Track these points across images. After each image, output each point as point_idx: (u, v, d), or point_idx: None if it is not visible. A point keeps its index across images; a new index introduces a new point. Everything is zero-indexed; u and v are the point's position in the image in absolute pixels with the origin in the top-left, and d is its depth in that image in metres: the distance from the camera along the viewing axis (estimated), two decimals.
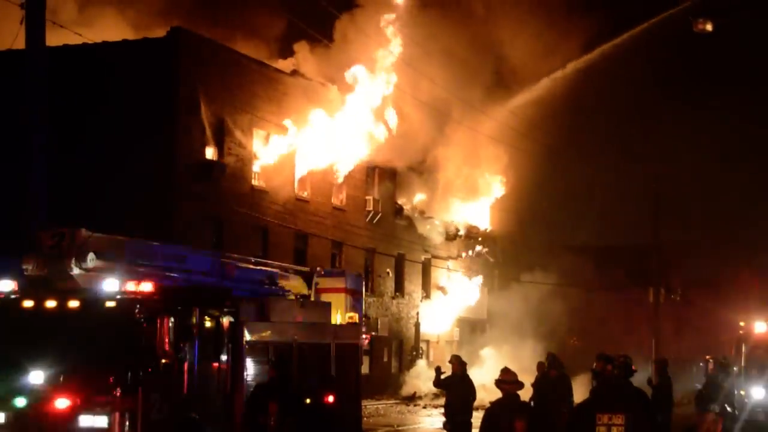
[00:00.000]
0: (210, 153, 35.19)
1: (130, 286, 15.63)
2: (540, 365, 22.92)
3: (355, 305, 22.20)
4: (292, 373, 17.81)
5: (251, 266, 20.58)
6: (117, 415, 14.65)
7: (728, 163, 57.03)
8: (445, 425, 19.88)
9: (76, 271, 15.74)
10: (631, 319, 52.40)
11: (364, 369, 35.57)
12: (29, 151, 20.80)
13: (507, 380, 11.82)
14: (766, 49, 51.87)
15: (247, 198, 36.46)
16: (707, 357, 26.45)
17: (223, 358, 16.86)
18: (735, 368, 24.75)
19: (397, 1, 41.73)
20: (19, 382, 14.99)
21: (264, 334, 17.96)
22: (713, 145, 55.53)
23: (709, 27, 25.80)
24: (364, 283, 27.00)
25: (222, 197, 34.77)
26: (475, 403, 19.84)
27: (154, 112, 32.79)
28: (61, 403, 14.75)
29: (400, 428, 31.11)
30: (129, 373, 14.81)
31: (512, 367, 12.22)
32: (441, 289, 49.93)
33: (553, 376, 21.78)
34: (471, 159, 48.57)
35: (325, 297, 21.59)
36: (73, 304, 15.29)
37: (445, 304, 49.28)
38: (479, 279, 51.46)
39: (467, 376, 19.83)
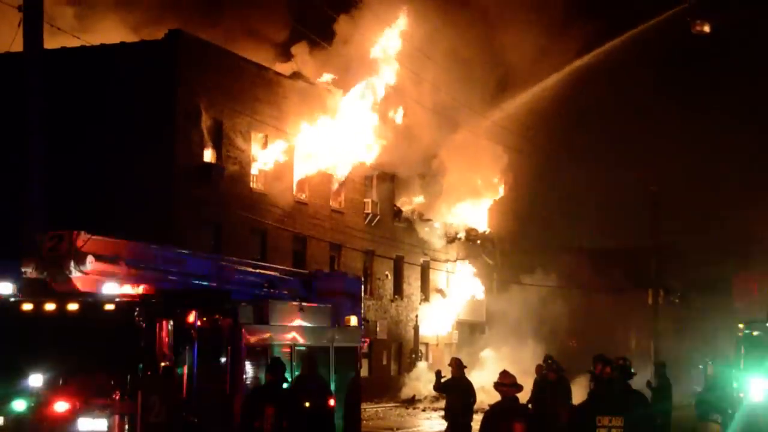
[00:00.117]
0: (209, 156, 35.19)
1: (129, 289, 15.60)
2: (539, 368, 22.93)
3: (354, 308, 22.15)
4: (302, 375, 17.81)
5: (250, 269, 20.55)
6: (116, 418, 14.64)
7: (727, 164, 57.05)
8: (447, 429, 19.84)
9: (75, 273, 15.71)
10: (631, 322, 52.40)
11: (364, 372, 35.57)
12: (28, 154, 20.79)
13: (506, 383, 11.81)
14: (764, 50, 51.87)
15: (245, 201, 36.45)
16: (707, 360, 26.47)
17: (222, 361, 16.83)
18: (734, 370, 24.76)
19: (398, 5, 41.78)
20: (19, 385, 14.97)
21: (263, 338, 17.94)
22: (712, 147, 55.53)
23: (707, 28, 25.86)
24: (362, 285, 26.94)
25: (221, 200, 34.76)
26: (475, 406, 19.82)
27: (153, 115, 32.80)
28: (61, 406, 14.73)
29: (399, 431, 31.09)
30: (128, 376, 14.79)
31: (512, 370, 12.21)
32: (440, 291, 49.94)
33: (551, 379, 21.78)
34: (470, 161, 48.58)
35: (324, 300, 21.55)
36: (72, 306, 15.27)
37: (444, 307, 49.28)
38: (478, 281, 51.44)
39: (467, 378, 19.80)
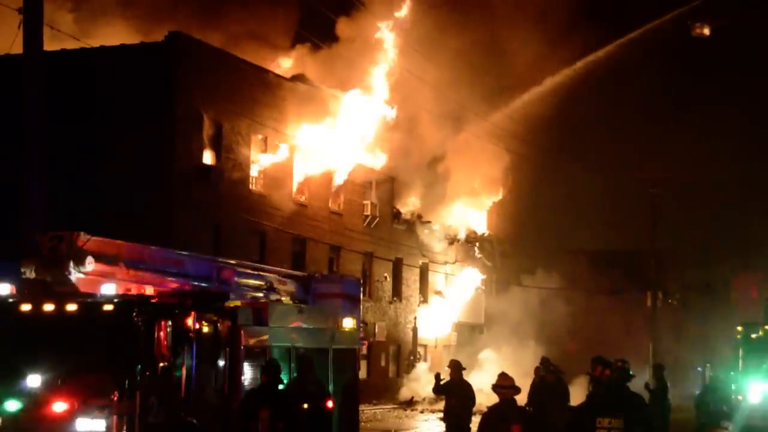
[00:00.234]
0: (208, 158, 35.21)
1: (129, 290, 15.61)
2: (537, 370, 22.94)
3: (353, 310, 22.16)
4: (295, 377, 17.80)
5: (249, 271, 20.55)
6: (114, 418, 14.63)
7: (726, 167, 57.05)
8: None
9: (74, 274, 15.73)
10: (629, 324, 52.39)
11: (362, 374, 35.64)
12: (27, 156, 20.82)
13: (504, 385, 11.84)
14: (764, 52, 51.90)
15: (245, 203, 36.47)
16: (706, 362, 26.51)
17: (221, 362, 16.84)
18: (732, 373, 24.80)
19: (398, 7, 41.83)
20: (17, 385, 14.98)
21: (261, 339, 17.95)
22: (711, 150, 55.55)
23: (707, 31, 25.85)
24: (361, 287, 26.98)
25: (220, 202, 34.78)
26: (474, 408, 19.82)
27: (153, 117, 32.81)
28: (59, 406, 14.73)
29: None
30: (127, 377, 14.80)
31: (510, 371, 12.24)
32: (438, 293, 49.95)
33: (550, 380, 21.79)
34: (470, 163, 48.62)
35: (322, 302, 21.56)
36: (71, 307, 15.28)
37: (442, 309, 49.28)
38: (477, 283, 51.45)
39: (466, 380, 19.80)
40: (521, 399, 12.34)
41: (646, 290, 50.12)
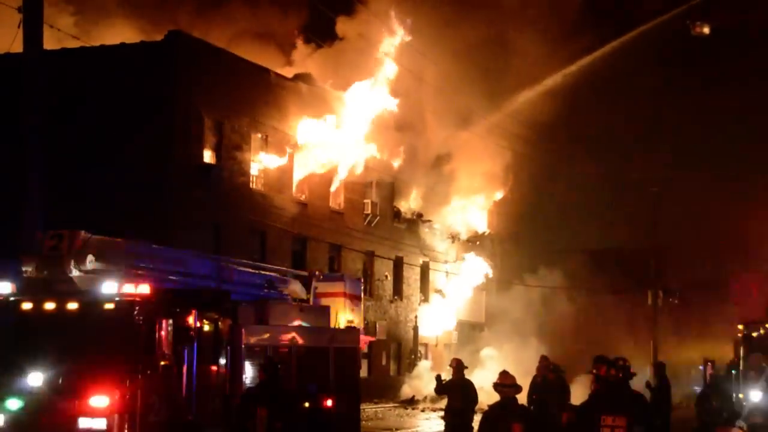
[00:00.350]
0: (208, 156, 35.18)
1: (129, 289, 15.62)
2: (539, 368, 22.87)
3: (354, 309, 22.19)
4: (289, 375, 17.80)
5: (250, 270, 20.57)
6: (116, 417, 14.65)
7: (726, 165, 57.01)
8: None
9: (75, 273, 15.75)
10: (630, 322, 52.34)
11: (363, 372, 35.62)
12: (27, 154, 20.82)
13: (505, 384, 11.82)
14: (764, 51, 51.84)
15: (245, 201, 36.45)
16: (707, 361, 26.51)
17: (222, 361, 16.85)
18: (734, 371, 24.79)
19: (400, 6, 41.83)
20: (18, 384, 14.99)
21: (262, 338, 17.95)
22: (712, 148, 55.53)
23: (706, 30, 25.86)
24: (362, 286, 26.95)
25: (220, 201, 34.75)
26: (476, 406, 19.79)
27: (153, 116, 32.76)
28: (60, 405, 14.74)
29: (399, 431, 31.10)
30: (128, 376, 14.81)
31: (511, 370, 12.21)
32: (439, 292, 49.94)
33: (550, 379, 21.76)
34: (471, 162, 48.59)
35: (323, 301, 21.59)
36: (72, 306, 15.30)
37: (443, 307, 49.27)
38: (477, 282, 51.43)
39: (467, 379, 19.74)
40: (521, 397, 12.32)
41: (647, 289, 50.07)
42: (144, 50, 33.65)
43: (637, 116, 58.16)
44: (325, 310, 20.93)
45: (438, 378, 20.07)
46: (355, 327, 21.82)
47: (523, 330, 45.72)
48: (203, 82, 34.45)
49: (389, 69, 42.08)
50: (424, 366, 45.38)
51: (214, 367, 16.70)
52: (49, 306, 15.36)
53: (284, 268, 23.57)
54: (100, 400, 14.63)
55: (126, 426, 14.70)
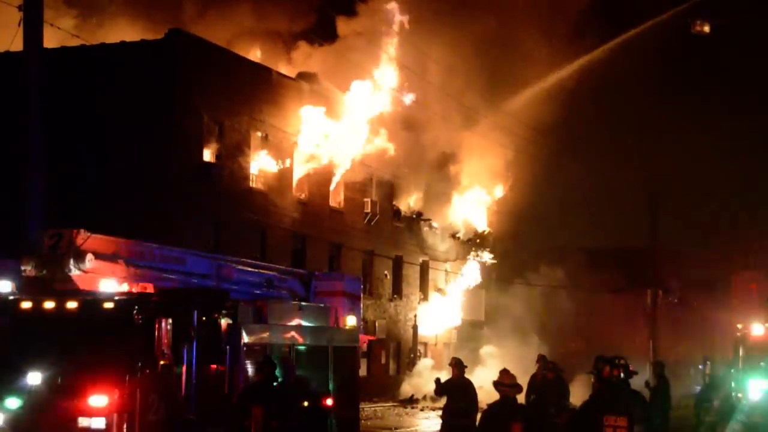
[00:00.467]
0: (208, 155, 35.19)
1: (129, 288, 15.61)
2: (539, 368, 22.85)
3: (353, 308, 22.16)
4: (287, 375, 17.79)
5: (249, 268, 20.56)
6: (115, 416, 14.64)
7: (726, 165, 57.11)
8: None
9: (74, 272, 15.74)
10: (629, 322, 52.42)
11: (362, 371, 35.62)
12: (27, 153, 20.81)
13: (505, 383, 11.81)
14: (764, 50, 51.92)
15: (245, 200, 36.45)
16: (706, 360, 26.49)
17: (221, 360, 16.84)
18: (733, 370, 24.80)
19: (402, 4, 41.84)
20: (17, 383, 14.98)
21: (262, 337, 17.95)
22: (711, 147, 55.61)
23: (707, 29, 25.81)
24: (362, 285, 26.94)
25: (220, 199, 34.75)
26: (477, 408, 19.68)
27: (152, 114, 32.78)
28: (59, 404, 14.74)
29: (398, 431, 31.10)
30: (127, 375, 14.81)
31: (512, 368, 12.21)
32: (439, 291, 49.94)
33: (549, 379, 21.75)
34: (470, 161, 48.60)
35: (323, 300, 21.57)
36: (72, 305, 15.29)
37: (443, 306, 49.27)
38: (477, 281, 51.44)
39: (469, 381, 19.58)
40: (520, 396, 12.32)
41: (647, 288, 50.10)
42: (144, 49, 33.63)
43: (637, 115, 58.25)
44: (325, 310, 20.91)
45: (437, 381, 19.94)
46: (354, 326, 21.79)
47: (523, 328, 45.76)
48: (203, 80, 34.44)
49: (390, 68, 42.07)
50: (425, 364, 45.39)
51: (214, 367, 16.70)
52: (49, 305, 15.36)
53: (284, 267, 23.54)
54: (99, 400, 14.63)
55: (125, 425, 14.69)
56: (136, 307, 15.12)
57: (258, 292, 19.39)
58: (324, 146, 39.89)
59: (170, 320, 15.38)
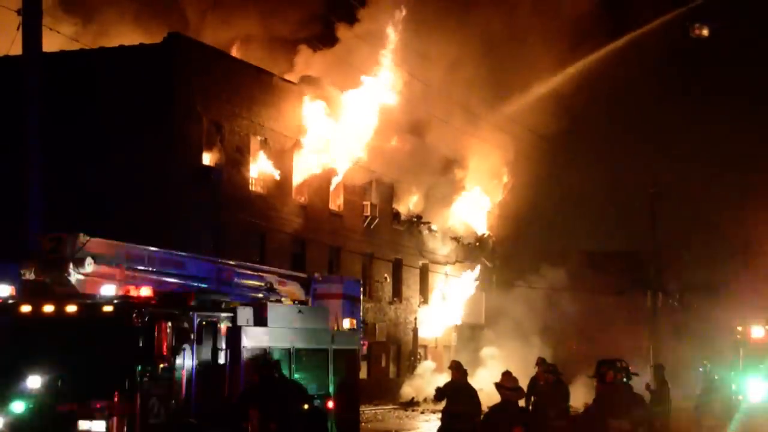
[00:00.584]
0: (207, 158, 35.20)
1: (128, 291, 15.61)
2: (538, 371, 22.81)
3: (353, 311, 22.15)
4: (286, 377, 17.80)
5: (249, 272, 20.55)
6: (115, 419, 14.65)
7: (726, 166, 57.07)
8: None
9: (74, 275, 15.73)
10: (630, 324, 52.35)
11: (362, 374, 35.60)
12: (27, 157, 20.82)
13: (507, 387, 11.77)
14: (763, 53, 51.91)
15: (244, 203, 36.45)
16: (706, 362, 26.51)
17: (221, 363, 16.85)
18: (733, 372, 24.81)
19: (401, 7, 41.85)
20: (17, 386, 14.97)
21: (261, 340, 17.94)
22: (711, 150, 55.59)
23: (705, 32, 25.80)
24: (361, 288, 26.94)
25: (220, 203, 34.75)
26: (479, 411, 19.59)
27: (152, 118, 32.78)
28: (59, 407, 14.73)
29: None
30: (127, 378, 14.81)
31: (513, 369, 12.19)
32: (439, 294, 49.92)
33: (550, 381, 21.72)
34: (470, 163, 48.59)
35: (322, 303, 21.56)
36: (71, 309, 15.29)
37: (442, 309, 49.26)
38: (477, 284, 51.43)
39: (470, 385, 19.43)
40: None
41: (647, 290, 50.05)
42: (144, 53, 33.64)
43: (636, 117, 58.25)
44: (325, 312, 20.91)
45: (437, 389, 19.74)
46: (354, 329, 21.78)
47: (523, 332, 45.73)
48: (203, 84, 34.46)
49: (389, 72, 42.08)
50: (426, 366, 45.38)
51: (213, 370, 16.69)
52: (48, 309, 15.35)
53: (283, 270, 23.54)
54: (99, 403, 14.63)
55: (125, 428, 14.70)
56: (136, 310, 15.12)
57: (257, 295, 19.39)
58: (324, 149, 39.89)
59: (170, 323, 15.37)
